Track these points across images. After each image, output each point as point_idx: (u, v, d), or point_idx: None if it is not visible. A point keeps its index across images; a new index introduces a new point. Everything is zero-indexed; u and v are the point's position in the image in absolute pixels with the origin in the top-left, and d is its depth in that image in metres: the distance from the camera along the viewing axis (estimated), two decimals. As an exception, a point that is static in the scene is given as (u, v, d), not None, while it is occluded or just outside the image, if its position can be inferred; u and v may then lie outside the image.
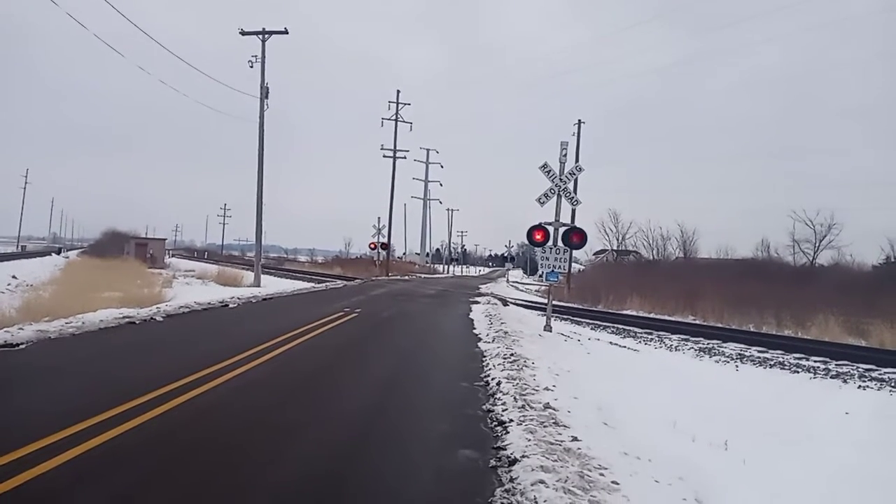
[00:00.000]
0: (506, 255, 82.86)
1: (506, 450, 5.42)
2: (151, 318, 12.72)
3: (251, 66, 28.83)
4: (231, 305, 17.03)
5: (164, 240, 65.98)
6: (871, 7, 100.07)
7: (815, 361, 16.06)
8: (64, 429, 5.11)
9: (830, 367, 15.44)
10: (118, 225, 64.41)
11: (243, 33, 28.87)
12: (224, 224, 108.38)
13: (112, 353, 9.27)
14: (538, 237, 16.08)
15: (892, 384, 13.58)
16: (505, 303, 26.25)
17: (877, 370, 14.90)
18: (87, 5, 18.95)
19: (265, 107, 29.15)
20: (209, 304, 16.35)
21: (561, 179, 15.91)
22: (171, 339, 11.06)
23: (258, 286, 27.70)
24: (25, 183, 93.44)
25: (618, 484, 4.76)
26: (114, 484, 4.31)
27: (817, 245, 45.76)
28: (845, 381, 13.91)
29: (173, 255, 77.70)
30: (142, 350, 9.74)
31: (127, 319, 12.04)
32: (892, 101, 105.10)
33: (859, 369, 15.02)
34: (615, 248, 61.67)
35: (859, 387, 13.43)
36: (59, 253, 67.25)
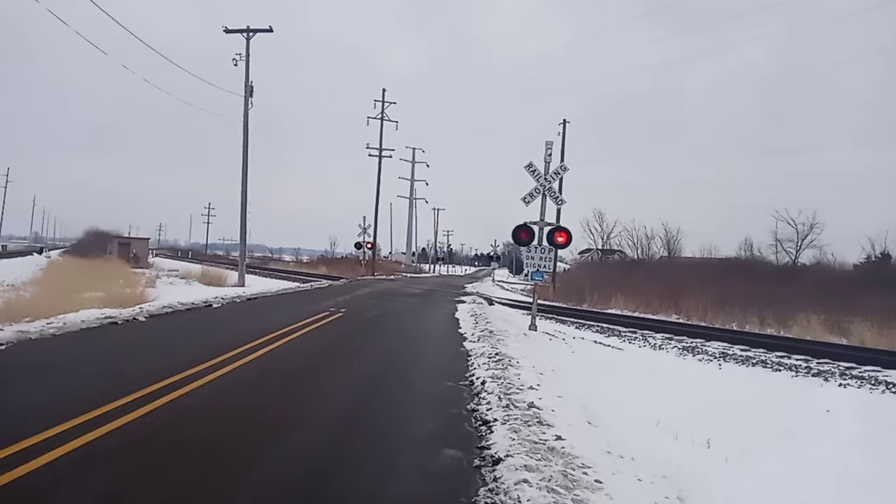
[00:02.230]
0: (492, 254, 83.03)
1: (490, 449, 5.43)
2: (134, 319, 12.61)
3: (235, 65, 28.61)
4: (215, 305, 16.93)
5: (148, 239, 65.38)
6: (855, 6, 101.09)
7: (797, 360, 16.21)
8: (45, 430, 5.05)
9: (812, 365, 15.59)
10: (101, 224, 63.63)
11: (227, 31, 28.67)
12: (208, 223, 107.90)
13: (94, 354, 9.18)
14: (523, 236, 16.13)
15: (872, 382, 13.73)
16: (490, 302, 26.30)
17: (857, 368, 15.06)
18: (69, 2, 18.77)
19: (250, 105, 28.97)
20: (193, 304, 16.24)
21: (546, 179, 15.97)
22: (154, 339, 10.97)
23: (243, 286, 27.54)
24: (6, 182, 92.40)
25: (601, 482, 4.79)
26: (97, 485, 4.27)
27: (799, 244, 46.20)
28: (826, 380, 14.05)
29: (157, 255, 77.03)
30: (124, 351, 9.66)
31: (109, 320, 11.93)
32: (875, 100, 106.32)
33: (840, 367, 15.18)
34: (600, 247, 61.91)
35: (840, 385, 13.57)
36: (40, 252, 66.41)
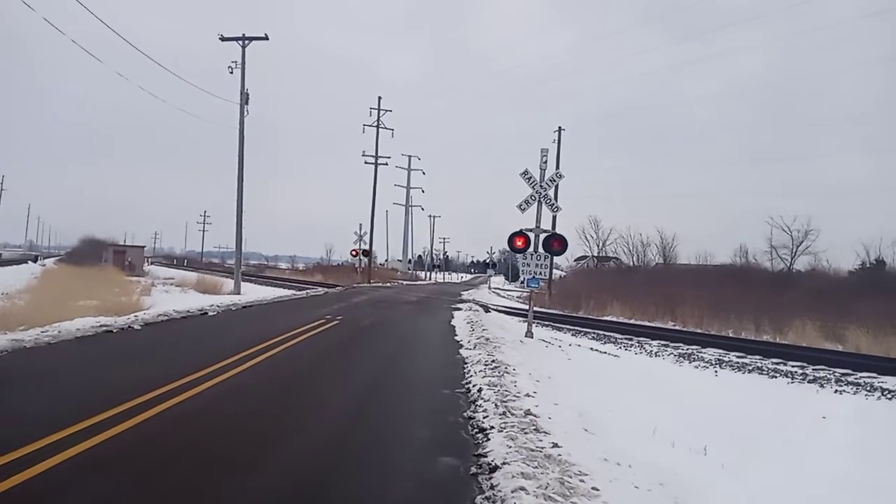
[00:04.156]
0: (488, 261, 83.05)
1: (486, 457, 5.42)
2: (129, 327, 12.57)
3: (231, 72, 28.75)
4: (211, 313, 16.88)
5: (143, 247, 65.56)
6: (851, 14, 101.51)
7: (793, 366, 16.23)
8: (41, 439, 5.03)
9: (808, 371, 15.61)
10: (96, 232, 63.75)
11: (223, 39, 28.79)
12: (204, 231, 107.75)
13: (89, 363, 9.14)
14: (519, 243, 16.14)
15: (868, 388, 13.76)
16: (487, 309, 26.27)
17: (853, 374, 15.07)
18: (65, 10, 18.77)
19: (245, 113, 29.07)
20: (188, 311, 16.19)
21: (541, 186, 16.00)
22: (150, 347, 10.94)
23: (238, 294, 27.51)
24: (1, 189, 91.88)
25: (598, 490, 4.78)
26: (93, 493, 4.26)
27: (794, 251, 46.41)
28: (822, 386, 14.08)
29: (152, 263, 77.05)
30: (119, 359, 9.63)
31: (104, 328, 11.89)
32: (869, 108, 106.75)
33: (836, 374, 15.20)
34: (596, 254, 62.08)
35: (836, 391, 13.59)
36: (35, 261, 66.17)
